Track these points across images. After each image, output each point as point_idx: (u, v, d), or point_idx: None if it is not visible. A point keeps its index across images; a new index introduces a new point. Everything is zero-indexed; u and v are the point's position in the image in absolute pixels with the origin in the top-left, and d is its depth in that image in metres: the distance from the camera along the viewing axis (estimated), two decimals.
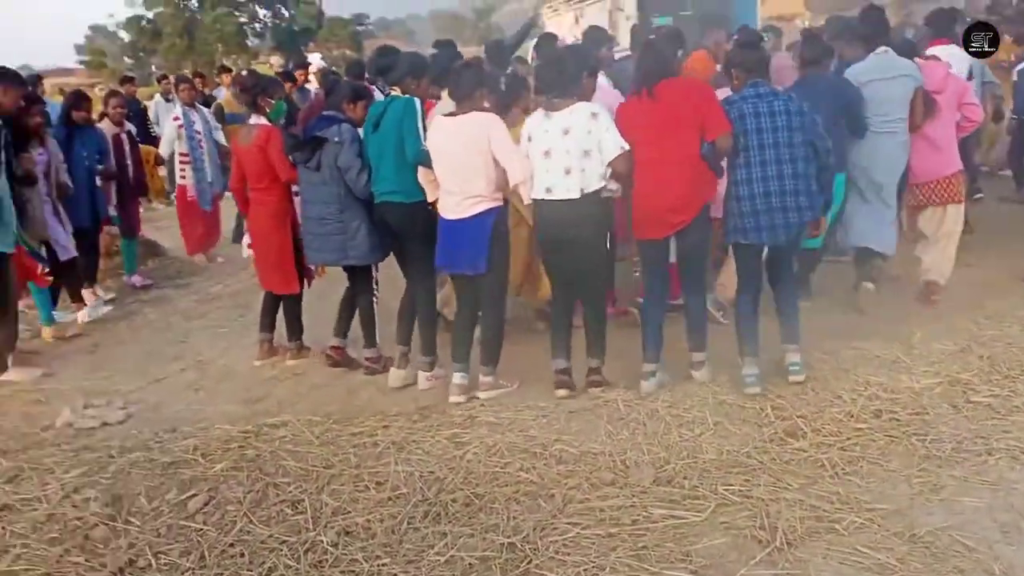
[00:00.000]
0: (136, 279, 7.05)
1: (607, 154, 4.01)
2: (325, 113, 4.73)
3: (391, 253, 4.77)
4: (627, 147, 4.01)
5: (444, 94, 4.66)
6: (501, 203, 4.27)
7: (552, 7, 16.86)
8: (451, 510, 3.24)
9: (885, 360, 4.36)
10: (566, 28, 14.45)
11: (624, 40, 9.18)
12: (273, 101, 4.92)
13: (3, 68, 5.14)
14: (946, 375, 4.08)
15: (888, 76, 4.88)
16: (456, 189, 4.18)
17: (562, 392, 4.24)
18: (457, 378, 4.37)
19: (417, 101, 4.43)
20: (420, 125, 4.34)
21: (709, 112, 4.01)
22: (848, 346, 4.59)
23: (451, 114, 4.23)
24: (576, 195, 4.03)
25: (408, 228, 4.51)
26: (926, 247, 5.21)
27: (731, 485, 3.28)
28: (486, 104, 4.27)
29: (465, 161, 4.12)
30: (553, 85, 4.12)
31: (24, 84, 5.27)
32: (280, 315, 5.15)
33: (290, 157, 4.71)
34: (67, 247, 5.68)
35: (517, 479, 3.45)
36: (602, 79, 5.05)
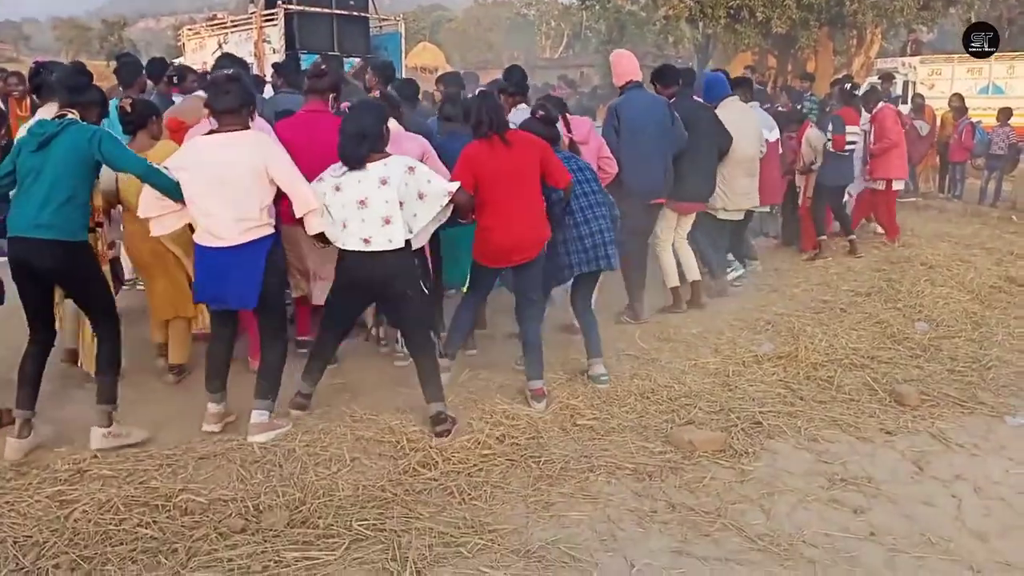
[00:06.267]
0: None
1: (440, 198, 4.10)
2: None
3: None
4: (455, 186, 4.16)
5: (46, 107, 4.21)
6: (274, 230, 3.99)
7: (193, 30, 16.07)
8: None
9: (509, 388, 4.73)
10: (208, 53, 13.85)
11: (268, 71, 9.05)
12: None
13: None
14: (559, 402, 4.53)
15: None
16: (222, 212, 3.83)
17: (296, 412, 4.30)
18: (214, 408, 4.18)
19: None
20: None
21: (555, 164, 4.54)
22: (477, 376, 4.92)
23: (211, 132, 3.94)
24: (400, 245, 4.01)
25: (68, 270, 3.88)
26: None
27: (366, 520, 3.30)
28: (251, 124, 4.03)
29: (237, 183, 3.81)
30: (364, 155, 4.00)
31: None
32: None
33: None
34: None
35: (135, 536, 3.15)
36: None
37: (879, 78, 14.05)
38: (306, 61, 9.63)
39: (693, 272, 6.51)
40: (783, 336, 5.75)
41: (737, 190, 6.67)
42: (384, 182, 3.98)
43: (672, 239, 6.43)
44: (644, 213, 6.04)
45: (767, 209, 7.53)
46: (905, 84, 18.11)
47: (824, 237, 8.22)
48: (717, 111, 6.50)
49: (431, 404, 4.17)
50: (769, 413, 4.44)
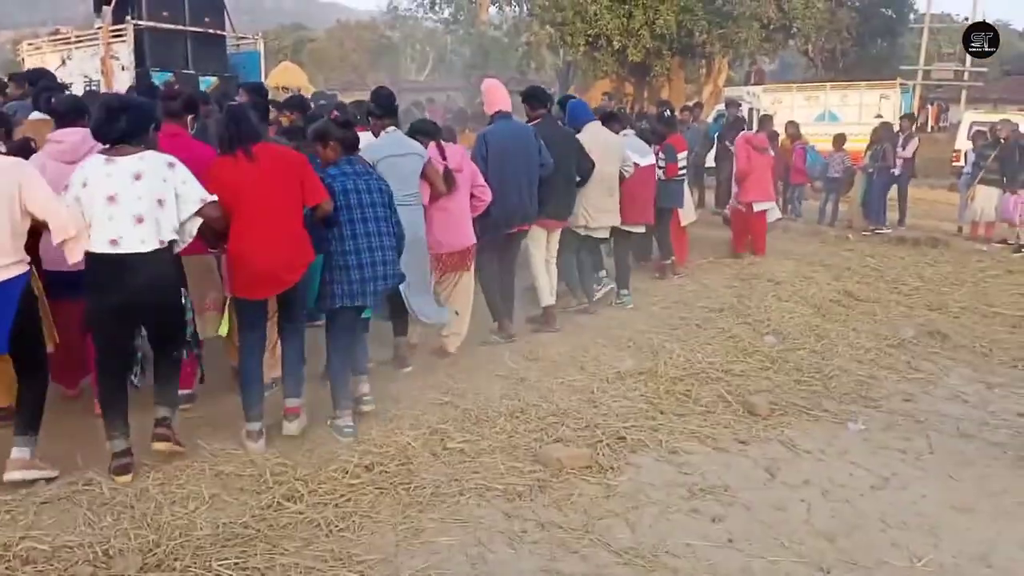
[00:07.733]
0: None
1: (192, 204, 3.81)
2: None
3: None
4: (212, 197, 3.86)
5: None
6: (29, 266, 3.66)
7: (34, 45, 15.10)
8: None
9: (377, 415, 4.66)
10: (51, 70, 13.03)
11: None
12: None
13: None
14: (428, 426, 4.50)
15: (400, 153, 5.17)
16: None
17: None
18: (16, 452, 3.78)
19: None
20: None
21: (311, 180, 4.19)
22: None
23: None
24: (154, 246, 3.70)
25: None
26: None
27: (226, 559, 3.16)
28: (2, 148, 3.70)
29: None
30: (118, 132, 3.73)
31: None
32: None
33: None
34: None
35: None
36: None
37: (726, 105, 14.87)
38: (158, 79, 9.22)
39: (547, 298, 6.59)
40: (644, 352, 5.95)
41: (598, 207, 6.79)
42: (138, 177, 3.69)
43: (544, 256, 6.53)
44: (507, 240, 6.13)
45: (642, 229, 7.70)
46: (750, 111, 19.22)
47: (670, 261, 8.53)
48: (580, 136, 6.67)
49: (158, 407, 4.00)
50: (632, 428, 4.58)
